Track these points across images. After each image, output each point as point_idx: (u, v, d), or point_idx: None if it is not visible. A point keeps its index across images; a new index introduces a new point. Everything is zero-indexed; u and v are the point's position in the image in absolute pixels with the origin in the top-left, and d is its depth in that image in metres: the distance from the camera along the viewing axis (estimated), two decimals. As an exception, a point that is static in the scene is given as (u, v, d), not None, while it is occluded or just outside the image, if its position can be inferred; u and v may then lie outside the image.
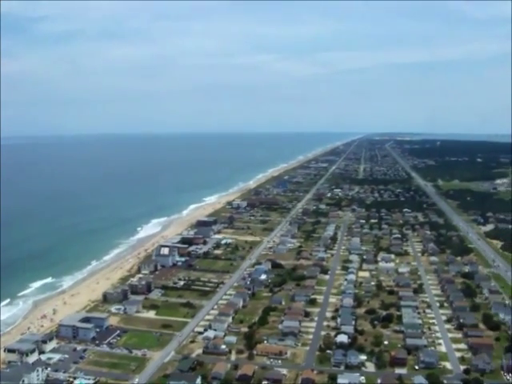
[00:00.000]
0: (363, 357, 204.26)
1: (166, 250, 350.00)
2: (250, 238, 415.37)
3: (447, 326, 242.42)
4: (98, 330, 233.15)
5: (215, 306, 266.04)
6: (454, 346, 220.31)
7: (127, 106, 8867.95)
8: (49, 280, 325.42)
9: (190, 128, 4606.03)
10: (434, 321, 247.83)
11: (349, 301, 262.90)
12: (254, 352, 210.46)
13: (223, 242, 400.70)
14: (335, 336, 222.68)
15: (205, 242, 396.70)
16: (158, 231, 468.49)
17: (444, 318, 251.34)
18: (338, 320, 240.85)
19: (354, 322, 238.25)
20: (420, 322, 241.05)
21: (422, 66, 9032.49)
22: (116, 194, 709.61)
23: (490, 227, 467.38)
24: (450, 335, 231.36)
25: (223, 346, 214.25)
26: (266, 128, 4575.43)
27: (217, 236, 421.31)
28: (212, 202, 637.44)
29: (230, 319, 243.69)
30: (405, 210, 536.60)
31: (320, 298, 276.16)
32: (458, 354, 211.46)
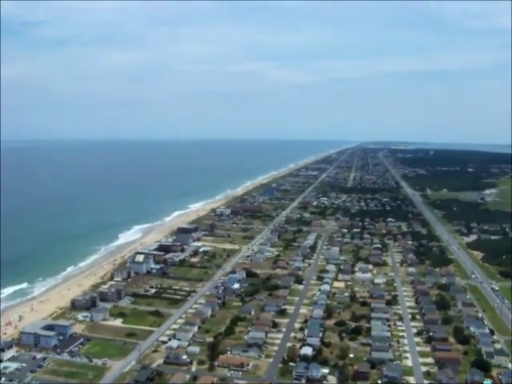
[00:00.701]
0: (325, 370, 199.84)
1: (140, 257, 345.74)
2: (228, 246, 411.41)
3: (417, 339, 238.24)
4: (61, 337, 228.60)
5: (183, 315, 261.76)
6: (421, 359, 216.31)
7: (125, 111, 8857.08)
8: (23, 286, 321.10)
9: (187, 134, 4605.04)
10: (403, 334, 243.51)
11: (319, 312, 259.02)
12: (216, 363, 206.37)
13: (201, 249, 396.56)
14: (300, 348, 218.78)
15: (182, 250, 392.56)
16: (138, 238, 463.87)
17: (415, 330, 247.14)
18: (306, 331, 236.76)
19: (321, 334, 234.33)
20: (389, 334, 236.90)
21: (419, 75, 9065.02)
22: (104, 199, 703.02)
23: (472, 238, 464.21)
24: (418, 349, 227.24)
25: (184, 357, 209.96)
26: (262, 135, 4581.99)
27: (196, 243, 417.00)
28: (197, 208, 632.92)
29: (195, 329, 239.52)
30: (389, 219, 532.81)
31: (291, 309, 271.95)
32: (424, 369, 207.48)
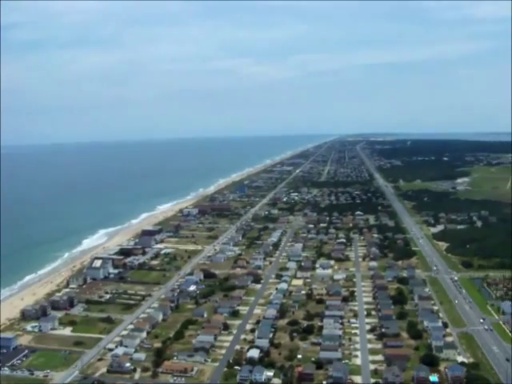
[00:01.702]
0: (270, 373, 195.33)
1: (98, 263, 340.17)
2: (191, 247, 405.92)
3: (369, 336, 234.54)
4: (4, 350, 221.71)
5: (135, 321, 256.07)
6: (371, 357, 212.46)
7: (103, 113, 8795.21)
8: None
9: (166, 134, 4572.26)
10: (356, 331, 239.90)
11: (272, 312, 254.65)
12: (160, 370, 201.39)
13: (163, 251, 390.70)
14: (247, 351, 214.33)
15: (144, 253, 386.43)
16: (102, 242, 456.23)
17: (368, 327, 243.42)
18: (256, 333, 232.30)
19: (271, 335, 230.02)
20: (340, 333, 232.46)
21: (395, 66, 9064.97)
22: (74, 203, 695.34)
23: (439, 228, 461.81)
24: (369, 346, 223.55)
25: (128, 364, 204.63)
26: (241, 132, 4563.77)
27: (158, 246, 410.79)
28: (165, 209, 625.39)
29: (143, 334, 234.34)
30: (357, 212, 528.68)
31: (245, 310, 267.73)
32: (373, 367, 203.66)
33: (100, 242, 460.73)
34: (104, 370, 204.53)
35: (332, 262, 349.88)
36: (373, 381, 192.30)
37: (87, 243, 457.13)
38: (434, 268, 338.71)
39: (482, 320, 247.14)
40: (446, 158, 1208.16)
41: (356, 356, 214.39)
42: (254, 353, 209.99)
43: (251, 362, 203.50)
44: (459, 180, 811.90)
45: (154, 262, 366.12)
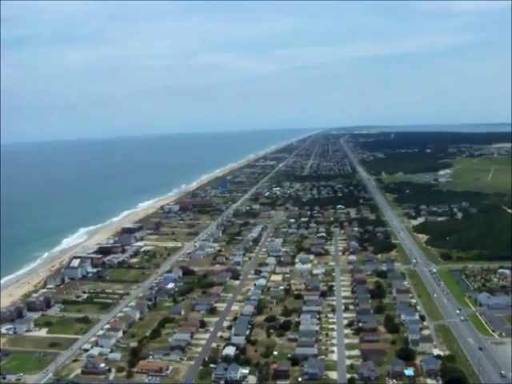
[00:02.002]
0: (245, 370, 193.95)
1: (76, 262, 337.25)
2: (171, 244, 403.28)
3: (347, 330, 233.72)
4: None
5: (111, 320, 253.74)
6: (348, 353, 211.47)
7: (87, 110, 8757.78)
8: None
9: (152, 130, 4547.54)
10: (334, 326, 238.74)
11: (249, 308, 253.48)
12: (135, 369, 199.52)
13: (142, 249, 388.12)
14: (223, 348, 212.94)
15: (123, 251, 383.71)
16: (82, 241, 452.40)
17: (346, 322, 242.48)
18: (232, 330, 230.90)
19: (248, 332, 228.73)
20: (317, 328, 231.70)
21: (380, 59, 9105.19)
22: (58, 201, 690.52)
23: (420, 220, 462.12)
24: (346, 341, 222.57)
25: (102, 365, 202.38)
26: (226, 126, 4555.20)
27: (138, 243, 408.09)
28: (147, 206, 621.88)
29: (119, 334, 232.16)
30: (338, 206, 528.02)
31: (222, 306, 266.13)
32: (349, 362, 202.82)
33: (80, 240, 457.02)
34: (79, 371, 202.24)
35: (312, 257, 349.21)
36: (348, 376, 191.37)
37: (67, 242, 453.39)
38: (414, 261, 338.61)
39: (458, 311, 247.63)
40: (428, 150, 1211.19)
41: (332, 351, 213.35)
42: (230, 350, 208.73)
43: (227, 359, 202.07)
44: (441, 172, 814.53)
45: (134, 260, 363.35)
